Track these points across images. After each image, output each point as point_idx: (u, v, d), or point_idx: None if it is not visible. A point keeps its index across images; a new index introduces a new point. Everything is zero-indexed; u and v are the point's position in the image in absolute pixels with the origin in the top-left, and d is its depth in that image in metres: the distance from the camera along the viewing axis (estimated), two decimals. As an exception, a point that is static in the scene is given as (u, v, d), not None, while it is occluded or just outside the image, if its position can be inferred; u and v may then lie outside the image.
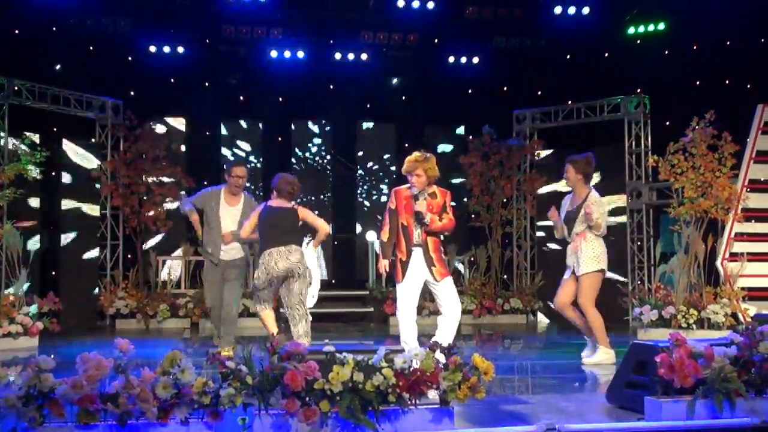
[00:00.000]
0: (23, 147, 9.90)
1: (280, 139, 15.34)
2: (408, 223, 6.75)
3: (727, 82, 12.75)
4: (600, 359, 7.57)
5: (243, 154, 15.36)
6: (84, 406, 3.91)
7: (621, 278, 12.20)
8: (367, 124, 15.84)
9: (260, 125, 15.36)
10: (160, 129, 13.76)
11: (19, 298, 9.70)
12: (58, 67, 12.93)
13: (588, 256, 7.44)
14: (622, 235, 12.56)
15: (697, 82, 13.00)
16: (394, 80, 14.94)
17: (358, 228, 15.38)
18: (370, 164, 15.86)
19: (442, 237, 7.05)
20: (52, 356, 4.03)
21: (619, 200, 12.90)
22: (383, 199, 15.46)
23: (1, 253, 10.36)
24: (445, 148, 15.42)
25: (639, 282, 12.27)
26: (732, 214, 10.13)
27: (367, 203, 15.76)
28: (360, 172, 15.75)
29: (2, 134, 10.87)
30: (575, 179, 7.62)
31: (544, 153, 13.89)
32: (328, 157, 15.72)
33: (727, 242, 10.12)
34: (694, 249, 9.94)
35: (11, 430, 3.82)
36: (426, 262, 6.75)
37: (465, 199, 13.94)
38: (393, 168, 15.58)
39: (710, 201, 9.79)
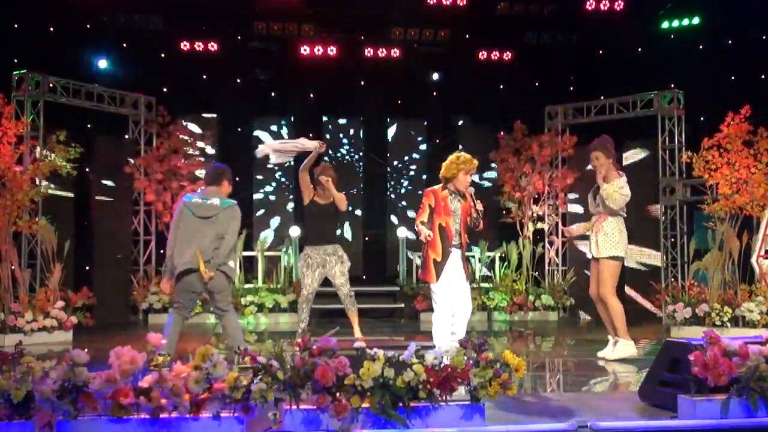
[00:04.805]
0: (57, 143, 10.00)
1: (311, 135, 15.35)
2: (446, 225, 6.66)
3: (762, 76, 12.57)
4: (621, 354, 7.56)
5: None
6: (117, 400, 3.96)
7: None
8: (398, 120, 15.79)
9: (291, 121, 15.39)
10: (192, 125, 13.85)
11: (53, 293, 9.82)
12: (91, 64, 13.05)
13: (609, 240, 7.49)
14: (656, 231, 12.45)
15: (732, 77, 12.81)
16: (425, 76, 14.86)
17: (389, 224, 15.35)
18: (400, 160, 15.82)
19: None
20: (86, 350, 4.07)
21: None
22: (414, 195, 15.42)
23: (36, 248, 10.51)
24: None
25: (672, 279, 12.14)
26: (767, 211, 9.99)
27: (397, 199, 15.73)
28: (391, 167, 15.71)
29: (38, 131, 11.02)
30: (607, 163, 7.66)
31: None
32: (360, 153, 15.70)
33: (762, 239, 9.95)
34: (728, 246, 9.84)
35: (47, 423, 3.87)
36: (462, 262, 6.74)
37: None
38: (424, 164, 15.53)
39: (745, 197, 9.67)
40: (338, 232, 10.00)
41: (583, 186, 12.38)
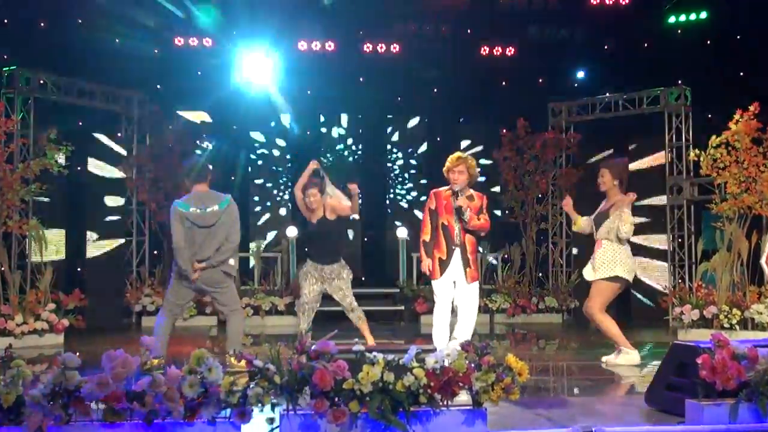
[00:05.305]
0: (49, 141, 9.87)
1: (308, 132, 15.25)
2: (449, 223, 6.99)
3: (771, 72, 12.47)
4: (623, 362, 7.44)
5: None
6: (110, 405, 3.92)
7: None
8: (398, 118, 15.65)
9: (289, 119, 15.25)
10: (186, 122, 13.69)
11: (44, 295, 9.69)
12: (83, 60, 12.87)
13: (601, 261, 7.33)
14: (662, 231, 12.33)
15: (741, 73, 12.70)
16: (426, 73, 14.70)
17: (389, 224, 15.21)
18: (400, 159, 15.70)
19: (479, 237, 7.26)
20: (78, 354, 4.01)
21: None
22: (414, 194, 15.32)
23: (26, 249, 10.36)
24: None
25: (680, 281, 12.01)
26: (777, 210, 9.86)
27: (397, 199, 15.61)
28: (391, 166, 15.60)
29: (28, 129, 10.87)
30: (610, 184, 7.58)
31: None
32: (359, 152, 15.56)
33: (772, 239, 9.87)
34: (737, 246, 9.74)
35: (37, 428, 3.82)
36: (462, 262, 6.96)
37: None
38: (424, 163, 15.40)
39: (754, 197, 9.56)
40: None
41: (585, 185, 12.27)
